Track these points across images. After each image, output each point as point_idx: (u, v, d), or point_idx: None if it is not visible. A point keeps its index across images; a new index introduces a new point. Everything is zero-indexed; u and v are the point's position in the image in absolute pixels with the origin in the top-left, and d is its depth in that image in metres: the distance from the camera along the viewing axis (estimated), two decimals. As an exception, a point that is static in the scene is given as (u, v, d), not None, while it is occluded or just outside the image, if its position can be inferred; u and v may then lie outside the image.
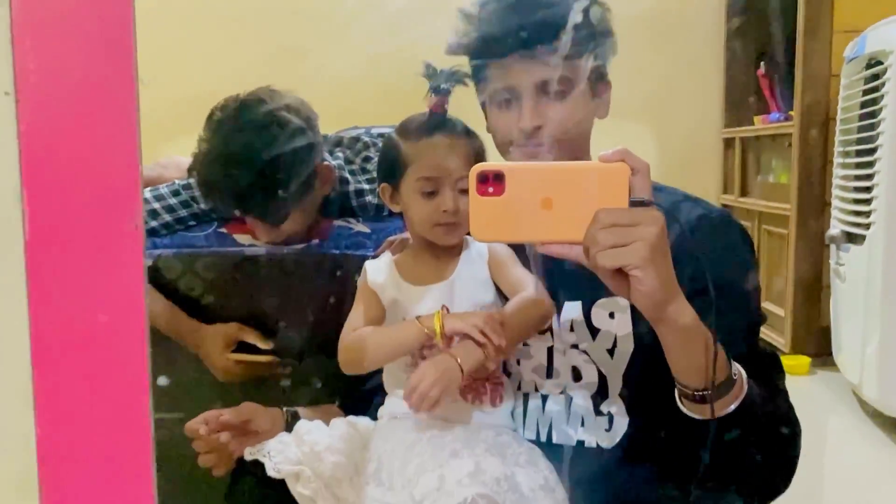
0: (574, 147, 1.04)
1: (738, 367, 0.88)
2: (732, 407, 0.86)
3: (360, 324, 1.06)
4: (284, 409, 1.15)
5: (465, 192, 1.01)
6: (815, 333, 2.82)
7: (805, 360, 2.73)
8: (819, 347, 2.77)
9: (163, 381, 1.35)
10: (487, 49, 1.03)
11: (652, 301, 0.78)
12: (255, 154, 1.31)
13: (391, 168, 1.07)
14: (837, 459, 2.04)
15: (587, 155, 1.08)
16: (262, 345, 1.44)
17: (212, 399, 1.45)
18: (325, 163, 1.46)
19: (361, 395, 1.18)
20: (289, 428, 1.08)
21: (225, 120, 1.36)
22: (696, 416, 0.87)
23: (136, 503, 0.45)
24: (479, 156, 1.06)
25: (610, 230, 0.76)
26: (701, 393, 0.85)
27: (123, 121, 0.44)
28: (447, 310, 1.01)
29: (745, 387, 0.88)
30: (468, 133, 1.06)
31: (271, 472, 1.01)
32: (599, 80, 1.06)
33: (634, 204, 0.78)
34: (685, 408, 0.88)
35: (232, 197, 1.36)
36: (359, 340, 1.03)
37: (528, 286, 1.03)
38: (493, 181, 0.78)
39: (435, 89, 1.05)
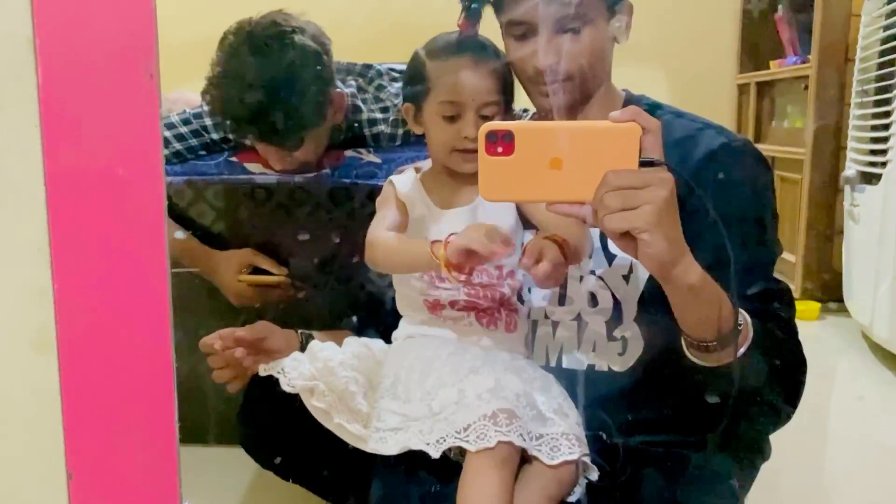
0: (594, 79, 1.03)
1: (744, 315, 0.88)
2: (739, 353, 0.87)
3: (388, 225, 1.05)
4: (300, 331, 1.15)
5: (486, 117, 1.00)
6: (825, 279, 2.81)
7: (815, 306, 2.72)
8: (829, 293, 2.77)
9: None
10: None
11: (659, 262, 0.79)
12: (269, 76, 1.29)
13: (415, 87, 1.05)
14: (847, 400, 2.04)
15: (607, 84, 1.06)
16: (275, 270, 1.44)
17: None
18: (338, 90, 1.44)
19: (376, 321, 1.19)
20: (303, 349, 1.09)
21: (238, 43, 1.33)
22: (702, 364, 0.88)
23: (154, 358, 0.45)
24: (507, 83, 1.04)
25: (618, 193, 0.75)
26: (707, 343, 0.86)
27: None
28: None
29: (751, 332, 0.88)
30: (497, 55, 1.04)
31: (286, 387, 1.01)
32: (616, 3, 1.03)
33: (644, 164, 0.77)
34: (691, 355, 0.89)
35: (246, 120, 1.35)
36: (383, 242, 1.02)
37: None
38: (502, 140, 0.78)
39: (466, 8, 1.03)
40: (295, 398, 1.01)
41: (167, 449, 0.46)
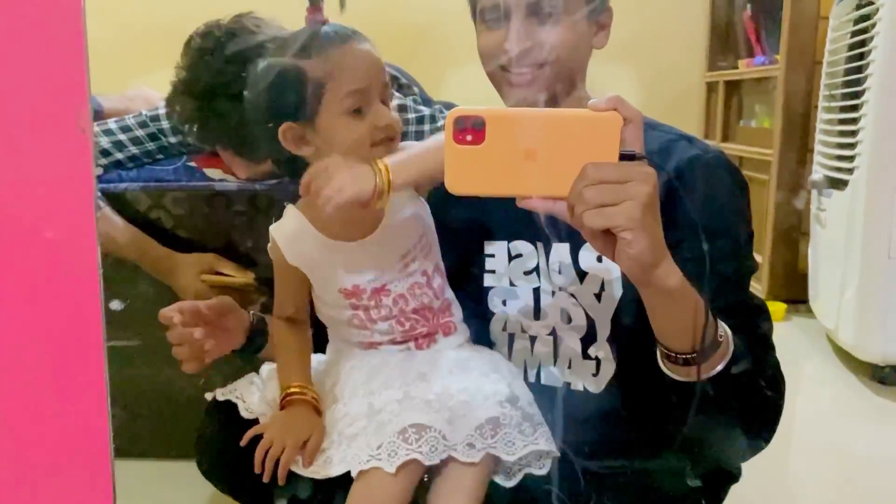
0: (567, 77, 0.99)
1: (724, 328, 0.84)
2: (718, 369, 0.83)
3: (285, 298, 1.02)
4: (251, 312, 1.12)
5: (385, 102, 0.93)
6: (792, 280, 2.83)
7: (781, 307, 2.74)
8: (795, 294, 2.79)
9: (116, 305, 1.31)
10: None
11: (639, 264, 0.73)
12: (240, 87, 1.23)
13: (297, 98, 0.90)
14: (811, 403, 2.06)
15: (581, 88, 1.03)
16: (238, 275, 1.40)
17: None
18: None
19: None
20: (252, 331, 1.10)
21: (208, 49, 1.27)
22: (680, 379, 0.84)
23: (90, 432, 0.41)
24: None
25: (598, 187, 0.69)
26: (685, 357, 0.81)
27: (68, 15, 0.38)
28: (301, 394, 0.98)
29: (732, 348, 0.84)
30: (365, 39, 0.94)
31: (244, 412, 1.00)
32: (601, 6, 1.00)
33: (624, 157, 0.71)
34: (668, 370, 0.85)
35: (215, 132, 1.30)
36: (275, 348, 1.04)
37: None
38: (471, 128, 0.70)
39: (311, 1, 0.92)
40: (252, 422, 0.99)
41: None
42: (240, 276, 1.40)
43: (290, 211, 1.00)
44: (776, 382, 0.95)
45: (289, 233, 0.97)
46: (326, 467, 0.91)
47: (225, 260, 1.42)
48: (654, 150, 0.99)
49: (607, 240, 0.72)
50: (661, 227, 0.73)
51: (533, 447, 0.92)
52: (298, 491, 0.94)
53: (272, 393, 1.01)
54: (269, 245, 1.00)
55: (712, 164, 0.99)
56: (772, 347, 0.97)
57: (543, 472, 0.95)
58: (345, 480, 0.90)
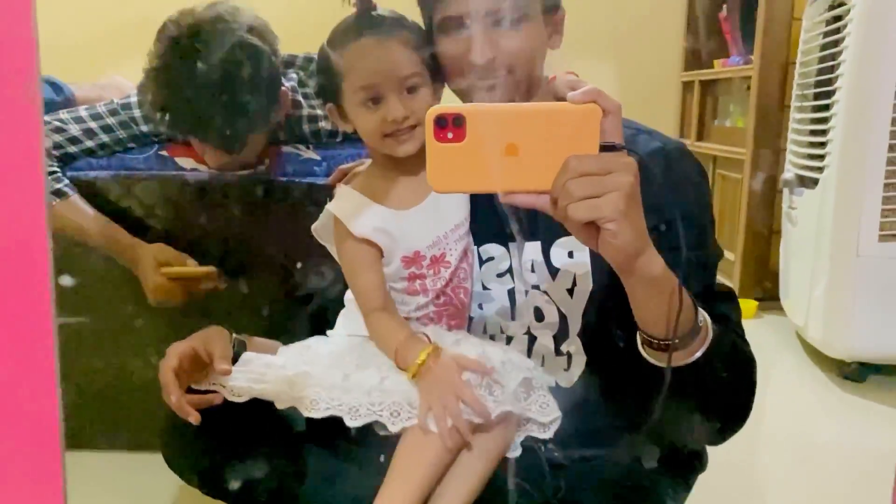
0: (527, 79, 0.99)
1: (703, 315, 0.85)
2: (698, 354, 0.84)
3: (371, 287, 0.98)
4: (233, 336, 1.07)
5: (412, 90, 0.95)
6: (764, 278, 2.86)
7: (752, 304, 2.77)
8: (767, 292, 2.82)
9: (66, 280, 1.28)
10: None
11: (624, 253, 0.74)
12: (218, 80, 1.21)
13: (330, 85, 0.98)
14: (780, 398, 2.08)
15: (539, 88, 1.03)
16: (189, 262, 1.38)
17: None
18: (283, 88, 1.38)
19: (308, 321, 1.15)
20: (235, 358, 1.03)
21: (182, 38, 1.24)
22: (660, 364, 0.84)
23: (40, 418, 0.40)
24: (420, 46, 0.97)
25: (582, 180, 0.70)
26: (665, 342, 0.82)
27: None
28: (435, 349, 0.93)
29: (710, 333, 0.85)
30: (402, 24, 0.98)
31: (231, 396, 0.97)
32: (553, 7, 1.00)
33: (605, 148, 0.72)
34: (648, 356, 0.85)
35: (189, 122, 1.28)
36: (370, 328, 0.99)
37: None
38: (452, 125, 0.71)
39: None
40: (219, 412, 0.97)
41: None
42: (190, 263, 1.37)
43: (344, 190, 1.02)
44: (749, 365, 0.97)
45: (350, 207, 0.99)
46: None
47: (180, 253, 1.39)
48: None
49: (591, 231, 0.73)
50: (643, 216, 0.74)
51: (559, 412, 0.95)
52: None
53: (259, 370, 0.97)
54: (317, 227, 1.02)
55: (674, 155, 1.00)
56: (741, 331, 0.99)
57: (548, 435, 0.96)
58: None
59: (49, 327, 0.39)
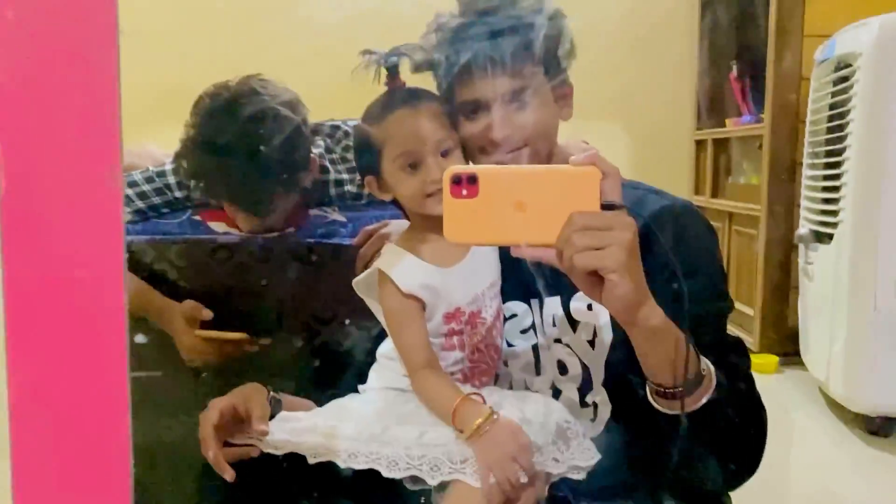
0: (543, 150, 1.05)
1: (706, 363, 0.89)
2: (703, 401, 0.88)
3: (418, 343, 1.01)
4: (270, 394, 1.09)
5: (446, 153, 1.01)
6: (784, 333, 2.86)
7: (773, 359, 2.77)
8: (787, 347, 2.82)
9: (140, 338, 1.33)
10: (452, 68, 1.02)
11: (625, 304, 0.79)
12: (250, 148, 1.28)
13: (369, 157, 1.04)
14: (804, 454, 2.07)
15: (555, 157, 1.09)
16: (232, 333, 1.42)
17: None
18: (312, 156, 1.45)
19: (337, 379, 1.18)
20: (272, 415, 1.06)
21: (217, 109, 1.32)
22: (668, 412, 0.88)
23: (111, 466, 0.44)
24: (449, 115, 1.04)
25: (585, 232, 0.76)
26: (672, 390, 0.87)
27: (102, 65, 0.43)
28: (491, 413, 0.94)
29: (715, 381, 0.89)
30: (430, 96, 1.05)
31: (268, 448, 1.00)
32: (562, 84, 1.07)
33: (606, 207, 0.78)
34: (657, 404, 0.90)
35: (223, 188, 1.34)
36: (417, 384, 1.01)
37: None
38: (466, 183, 0.78)
39: (386, 69, 1.04)
40: (253, 468, 1.00)
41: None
42: (233, 333, 1.42)
43: (391, 248, 1.06)
44: (758, 411, 0.99)
45: (398, 264, 1.03)
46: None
47: (200, 305, 1.42)
48: (628, 205, 1.05)
49: (594, 282, 0.78)
50: (642, 271, 0.80)
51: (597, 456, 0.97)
52: None
53: (297, 424, 1.00)
54: (359, 282, 1.05)
55: (682, 212, 1.05)
56: (751, 379, 1.02)
57: (582, 476, 0.97)
58: None
59: (126, 450, 0.43)
